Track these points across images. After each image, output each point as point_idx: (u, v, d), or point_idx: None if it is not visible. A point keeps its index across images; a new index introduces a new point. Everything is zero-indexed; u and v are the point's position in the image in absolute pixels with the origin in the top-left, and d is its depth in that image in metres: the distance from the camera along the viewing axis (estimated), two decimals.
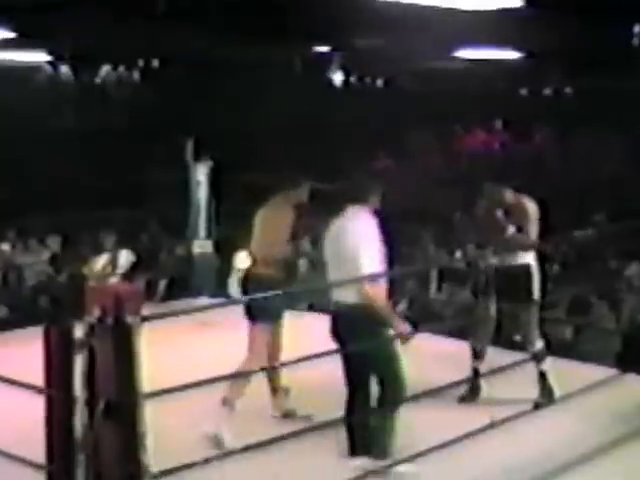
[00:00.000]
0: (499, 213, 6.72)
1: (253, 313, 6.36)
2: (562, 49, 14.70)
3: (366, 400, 5.54)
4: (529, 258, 6.74)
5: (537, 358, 6.71)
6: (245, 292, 6.61)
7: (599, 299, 10.33)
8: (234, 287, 8.97)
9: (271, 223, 6.55)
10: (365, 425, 5.52)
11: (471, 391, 6.87)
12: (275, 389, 6.63)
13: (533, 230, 6.70)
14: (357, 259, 5.37)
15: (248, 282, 6.61)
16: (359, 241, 5.42)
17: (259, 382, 6.31)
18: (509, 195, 6.78)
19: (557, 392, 6.59)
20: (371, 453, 5.42)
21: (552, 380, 6.67)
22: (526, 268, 6.72)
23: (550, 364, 6.71)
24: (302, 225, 6.64)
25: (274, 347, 6.54)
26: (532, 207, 6.74)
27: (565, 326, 9.84)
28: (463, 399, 6.83)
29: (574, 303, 10.35)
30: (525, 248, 6.70)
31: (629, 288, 10.62)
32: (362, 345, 5.36)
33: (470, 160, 17.36)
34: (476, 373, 6.90)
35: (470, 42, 13.74)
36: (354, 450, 5.52)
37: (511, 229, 6.69)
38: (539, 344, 6.78)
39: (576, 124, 16.99)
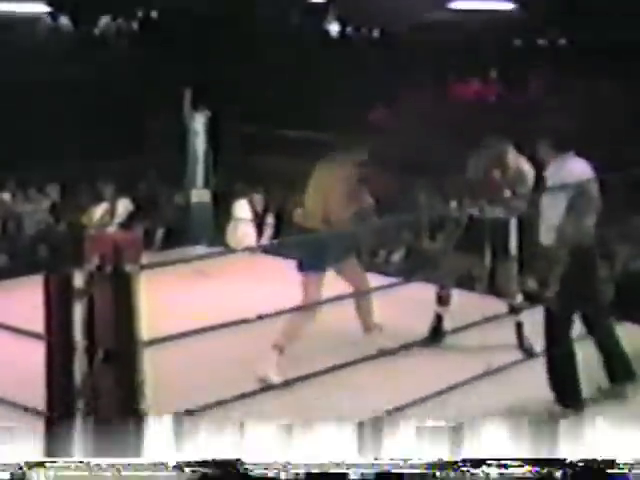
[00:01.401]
0: (496, 174, 6.71)
1: (301, 264, 6.44)
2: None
3: None
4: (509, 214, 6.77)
5: (514, 310, 6.77)
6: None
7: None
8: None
9: (326, 180, 6.51)
10: None
11: (432, 335, 6.95)
12: (368, 326, 6.68)
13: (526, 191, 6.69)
14: None
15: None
16: None
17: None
18: (511, 156, 6.74)
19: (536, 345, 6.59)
20: None
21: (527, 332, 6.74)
22: (504, 223, 6.76)
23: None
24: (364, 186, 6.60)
25: (357, 287, 6.58)
26: (530, 172, 6.71)
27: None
28: (424, 343, 6.85)
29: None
30: (517, 212, 6.73)
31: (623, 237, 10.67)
32: None
33: (465, 110, 17.32)
34: (439, 318, 7.01)
35: None
36: None
37: (506, 193, 6.70)
38: (518, 298, 6.86)
39: (572, 75, 16.94)
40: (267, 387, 4.94)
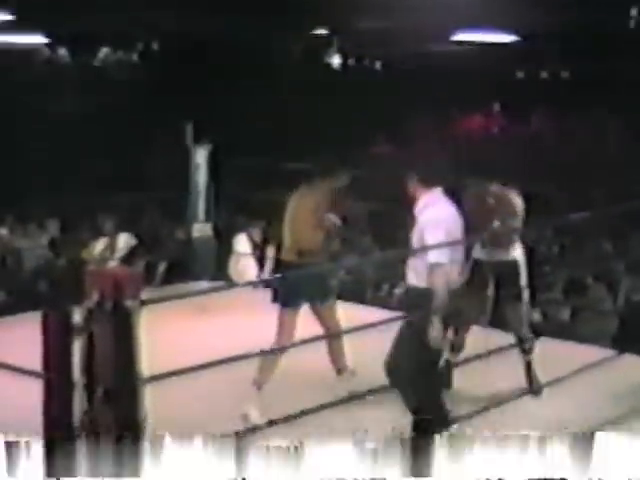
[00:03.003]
0: (488, 202, 6.62)
1: (278, 298, 6.45)
2: (559, 32, 14.70)
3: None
4: (516, 254, 6.66)
5: (526, 351, 6.64)
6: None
7: (596, 280, 10.37)
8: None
9: (296, 212, 6.54)
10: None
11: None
12: (340, 370, 6.63)
13: (518, 225, 6.62)
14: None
15: (278, 269, 6.67)
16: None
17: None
18: (495, 188, 6.67)
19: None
20: None
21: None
22: (514, 265, 6.63)
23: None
24: (338, 212, 6.61)
25: (330, 329, 6.55)
26: (518, 202, 6.64)
27: (562, 307, 9.87)
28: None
29: (570, 284, 10.39)
30: (508, 242, 6.62)
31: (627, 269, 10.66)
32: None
33: (468, 143, 17.36)
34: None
35: (467, 25, 13.72)
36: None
37: (496, 223, 6.63)
38: (530, 341, 6.68)
39: (573, 107, 17.00)
40: (252, 428, 4.85)
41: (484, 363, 6.20)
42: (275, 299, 6.48)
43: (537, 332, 6.93)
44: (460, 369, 6.48)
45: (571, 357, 6.82)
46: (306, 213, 6.47)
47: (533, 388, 6.61)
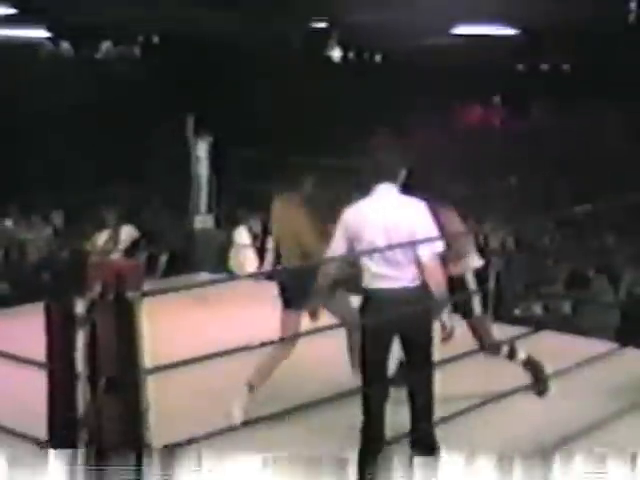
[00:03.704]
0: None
1: (285, 300, 6.43)
2: (558, 25, 14.69)
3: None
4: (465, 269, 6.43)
5: (510, 356, 6.42)
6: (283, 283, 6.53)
7: (598, 273, 10.38)
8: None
9: (286, 225, 6.56)
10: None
11: None
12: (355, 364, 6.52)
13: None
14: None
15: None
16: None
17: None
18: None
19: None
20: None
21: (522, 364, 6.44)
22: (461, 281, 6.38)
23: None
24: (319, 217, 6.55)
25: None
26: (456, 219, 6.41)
27: (564, 300, 9.89)
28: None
29: (573, 277, 10.41)
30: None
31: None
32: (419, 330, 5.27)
33: (468, 136, 17.38)
34: None
35: (468, 18, 13.73)
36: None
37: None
38: (504, 348, 6.39)
39: (573, 99, 17.00)
40: (230, 428, 4.80)
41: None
42: (287, 304, 6.40)
43: (539, 325, 6.90)
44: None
45: (572, 350, 6.82)
46: (304, 218, 6.44)
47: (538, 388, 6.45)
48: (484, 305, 6.56)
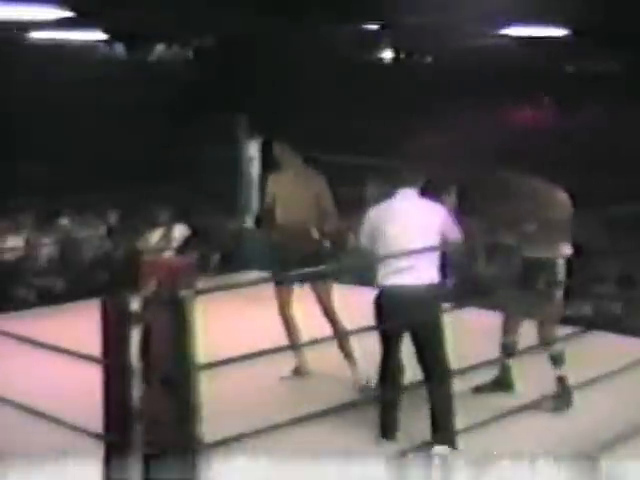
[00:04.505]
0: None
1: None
2: (609, 25, 14.55)
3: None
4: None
5: (554, 361, 6.33)
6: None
7: None
8: None
9: (301, 192, 6.91)
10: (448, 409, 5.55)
11: (494, 383, 6.66)
12: (346, 356, 6.77)
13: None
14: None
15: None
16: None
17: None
18: (537, 183, 6.55)
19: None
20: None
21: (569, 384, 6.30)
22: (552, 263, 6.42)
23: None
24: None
25: (326, 309, 6.81)
26: (562, 199, 6.51)
27: (614, 300, 9.82)
28: (478, 389, 6.60)
29: (623, 277, 10.34)
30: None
31: None
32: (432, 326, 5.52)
33: (516, 137, 17.29)
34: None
35: (516, 19, 13.65)
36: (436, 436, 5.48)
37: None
38: (558, 346, 6.34)
39: (623, 102, 16.85)
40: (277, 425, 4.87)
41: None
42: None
43: (589, 325, 6.86)
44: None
45: (622, 351, 6.78)
46: (323, 183, 6.94)
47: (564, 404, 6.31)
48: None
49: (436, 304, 5.64)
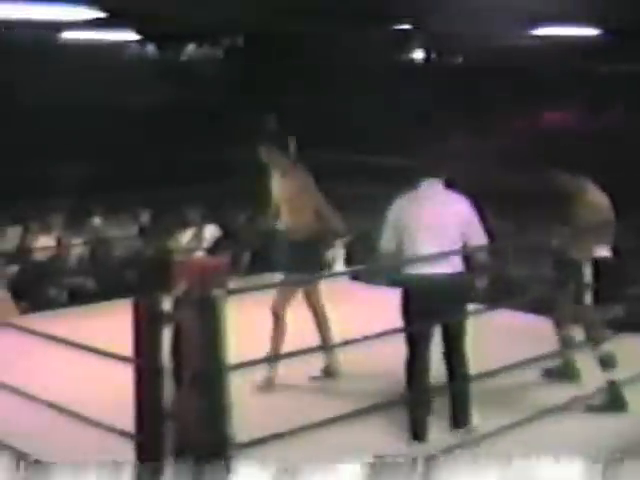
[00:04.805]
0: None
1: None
2: None
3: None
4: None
5: (603, 364, 6.11)
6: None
7: None
8: None
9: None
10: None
11: (560, 371, 6.67)
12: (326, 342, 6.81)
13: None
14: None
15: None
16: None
17: None
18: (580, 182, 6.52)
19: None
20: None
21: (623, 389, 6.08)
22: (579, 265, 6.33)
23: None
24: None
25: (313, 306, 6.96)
26: (600, 199, 6.48)
27: None
28: (549, 374, 6.66)
29: None
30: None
31: None
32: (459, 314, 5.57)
33: (547, 139, 17.21)
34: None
35: (548, 19, 13.57)
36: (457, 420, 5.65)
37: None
38: (605, 347, 6.12)
39: None
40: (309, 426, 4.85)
41: None
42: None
43: (620, 327, 6.81)
44: None
45: None
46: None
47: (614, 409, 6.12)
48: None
49: (467, 293, 5.73)
